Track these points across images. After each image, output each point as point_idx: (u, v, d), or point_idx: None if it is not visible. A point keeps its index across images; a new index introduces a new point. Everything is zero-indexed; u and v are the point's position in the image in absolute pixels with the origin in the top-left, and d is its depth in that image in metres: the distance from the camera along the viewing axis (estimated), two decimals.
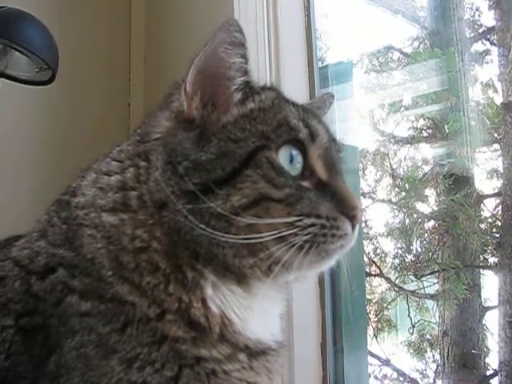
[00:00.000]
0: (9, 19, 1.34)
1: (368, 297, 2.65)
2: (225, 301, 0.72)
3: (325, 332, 1.51)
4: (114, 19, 1.98)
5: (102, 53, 1.92)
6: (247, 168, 0.70)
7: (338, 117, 1.67)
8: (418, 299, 2.46)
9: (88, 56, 1.91)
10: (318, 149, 0.76)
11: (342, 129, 1.80)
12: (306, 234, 0.70)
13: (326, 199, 0.73)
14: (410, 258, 2.41)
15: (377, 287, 2.70)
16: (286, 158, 0.73)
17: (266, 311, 0.77)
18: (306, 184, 0.73)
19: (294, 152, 0.74)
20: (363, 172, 2.53)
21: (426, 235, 2.38)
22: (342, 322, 1.56)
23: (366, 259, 2.58)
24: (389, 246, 2.57)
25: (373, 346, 2.49)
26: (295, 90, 1.56)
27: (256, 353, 0.73)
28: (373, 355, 2.45)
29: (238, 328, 0.72)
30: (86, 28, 1.87)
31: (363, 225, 2.45)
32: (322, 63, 1.99)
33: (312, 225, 0.70)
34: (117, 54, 2.00)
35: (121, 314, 0.66)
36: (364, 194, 2.54)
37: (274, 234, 0.68)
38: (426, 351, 2.46)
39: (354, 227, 0.74)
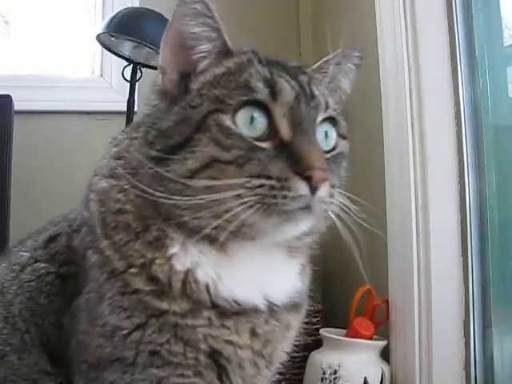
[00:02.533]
0: (130, 18, 1.58)
1: None
2: (193, 260, 0.75)
3: (468, 308, 1.42)
4: (282, 15, 2.08)
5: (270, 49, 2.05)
6: (199, 132, 0.73)
7: None
8: None
9: None
10: (282, 107, 0.74)
11: None
12: (255, 195, 0.69)
13: (281, 159, 0.70)
14: None
15: None
16: (246, 119, 0.73)
17: (252, 273, 0.78)
18: (265, 145, 0.72)
19: (256, 113, 0.73)
20: None
21: None
22: (492, 295, 1.42)
23: None
24: None
25: None
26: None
27: (230, 312, 0.76)
28: None
29: (208, 286, 0.75)
30: (253, 26, 2.00)
31: None
32: None
33: (260, 185, 0.69)
34: (286, 50, 2.10)
35: (105, 266, 0.76)
36: None
37: (227, 194, 0.70)
38: None
39: (314, 188, 0.69)
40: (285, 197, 0.69)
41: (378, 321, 1.54)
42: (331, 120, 0.80)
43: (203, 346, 0.75)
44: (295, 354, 1.64)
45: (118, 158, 0.82)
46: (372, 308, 1.53)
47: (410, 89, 1.46)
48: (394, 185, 1.53)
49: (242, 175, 0.70)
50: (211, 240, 0.75)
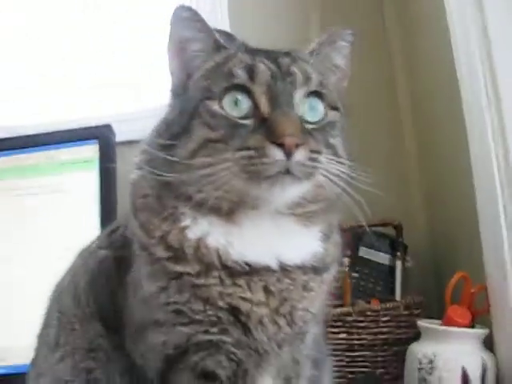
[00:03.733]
0: None
1: None
2: (204, 230, 0.87)
3: None
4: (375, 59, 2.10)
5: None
6: (193, 119, 0.86)
7: None
8: None
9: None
10: (260, 87, 0.85)
11: None
12: (239, 165, 0.80)
13: (259, 132, 0.81)
14: None
15: None
16: (231, 102, 0.85)
17: (262, 238, 0.87)
18: (248, 122, 0.83)
19: (240, 96, 0.85)
20: None
21: None
22: None
23: None
24: None
25: None
26: None
27: (241, 272, 0.85)
28: None
29: (218, 251, 0.86)
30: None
31: None
32: None
33: (243, 156, 0.80)
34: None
35: (137, 242, 0.91)
36: None
37: (219, 167, 0.81)
38: None
39: (288, 153, 0.78)
40: (263, 163, 0.79)
41: (477, 309, 1.48)
42: (316, 93, 0.89)
43: (221, 303, 0.85)
44: (397, 348, 1.66)
45: (143, 154, 0.96)
46: (469, 296, 1.48)
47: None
48: (480, 172, 1.48)
49: (228, 150, 0.82)
50: (217, 211, 0.87)
